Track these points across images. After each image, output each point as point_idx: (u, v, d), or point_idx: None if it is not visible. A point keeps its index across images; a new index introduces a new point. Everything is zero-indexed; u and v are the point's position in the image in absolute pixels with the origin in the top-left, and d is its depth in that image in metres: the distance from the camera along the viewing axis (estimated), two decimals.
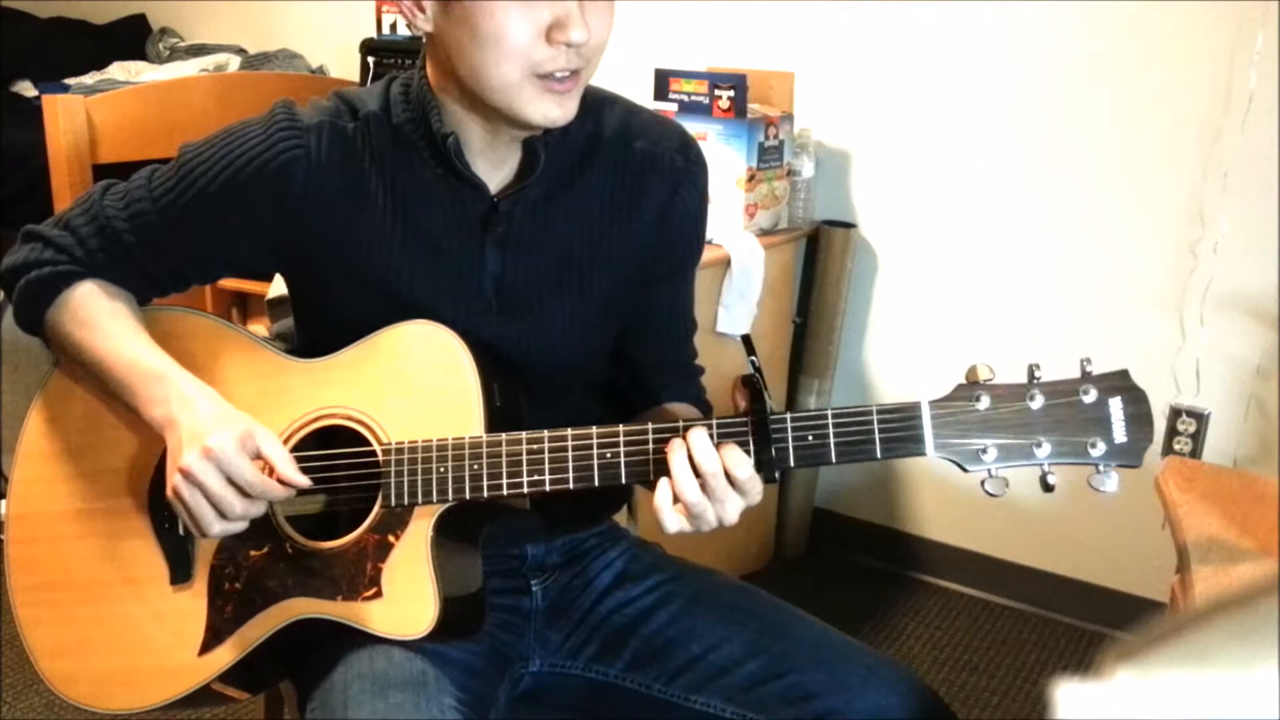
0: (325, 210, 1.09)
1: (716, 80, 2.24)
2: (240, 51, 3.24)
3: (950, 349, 2.44)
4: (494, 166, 1.11)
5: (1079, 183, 2.26)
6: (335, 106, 1.12)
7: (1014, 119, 2.30)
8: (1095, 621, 2.39)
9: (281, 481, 1.04)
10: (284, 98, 1.13)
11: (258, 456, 1.04)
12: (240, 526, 1.05)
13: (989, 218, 2.36)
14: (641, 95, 2.06)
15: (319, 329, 1.16)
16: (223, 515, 1.03)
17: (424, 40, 1.09)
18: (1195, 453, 2.21)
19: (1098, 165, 2.23)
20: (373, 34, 2.75)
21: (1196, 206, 2.15)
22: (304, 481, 1.05)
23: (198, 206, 1.10)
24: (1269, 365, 2.13)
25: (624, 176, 1.14)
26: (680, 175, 1.16)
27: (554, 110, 1.02)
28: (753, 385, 0.98)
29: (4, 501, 1.17)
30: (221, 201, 1.10)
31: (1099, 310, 2.27)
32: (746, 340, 1.01)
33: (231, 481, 1.02)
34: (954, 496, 2.50)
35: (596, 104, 1.15)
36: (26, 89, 3.20)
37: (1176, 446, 2.21)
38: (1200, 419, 2.20)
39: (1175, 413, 2.21)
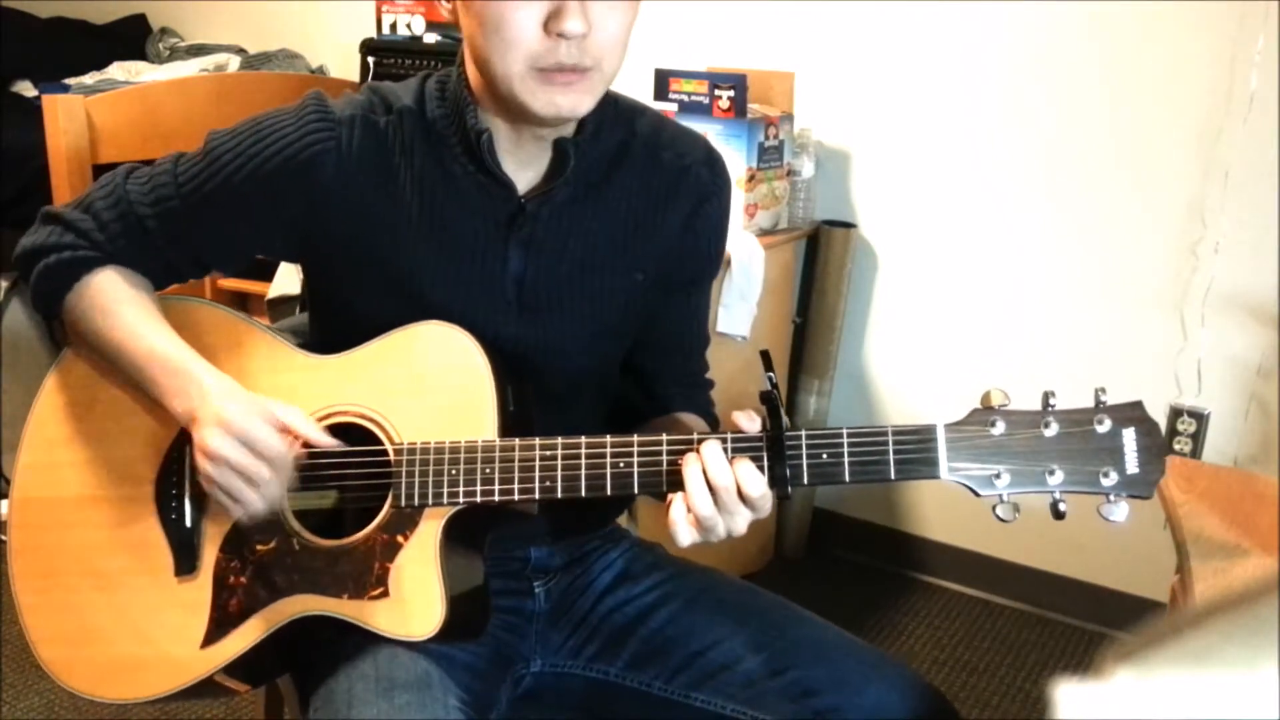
0: (353, 203, 1.09)
1: (716, 80, 2.24)
2: (240, 51, 3.24)
3: (950, 349, 2.44)
4: (522, 166, 1.11)
5: (1079, 183, 2.26)
6: (369, 100, 1.12)
7: (1014, 119, 2.31)
8: (1095, 621, 2.39)
9: (306, 443, 1.04)
10: (316, 89, 1.13)
11: (284, 431, 1.04)
12: (278, 493, 1.04)
13: (989, 218, 2.36)
14: (641, 95, 2.06)
15: (335, 323, 1.16)
16: (254, 486, 1.03)
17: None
18: (1195, 453, 2.21)
19: (1098, 165, 2.23)
20: (373, 34, 2.75)
21: (1197, 207, 2.15)
22: (334, 443, 1.05)
23: (224, 194, 1.10)
24: (1269, 365, 2.13)
25: (650, 185, 1.14)
26: (706, 189, 1.17)
27: (559, 99, 1.01)
28: (770, 402, 0.98)
29: (4, 502, 1.17)
30: (249, 190, 1.09)
31: (1099, 310, 2.27)
32: (765, 356, 1.01)
33: (254, 452, 1.02)
34: (954, 497, 2.48)
35: (629, 112, 1.15)
36: (26, 89, 3.20)
37: (1176, 446, 2.21)
38: (1200, 419, 2.20)
39: (1175, 413, 2.21)
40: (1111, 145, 2.21)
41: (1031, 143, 2.30)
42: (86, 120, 1.42)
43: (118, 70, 3.21)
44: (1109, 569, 2.35)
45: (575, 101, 1.02)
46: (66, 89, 3.00)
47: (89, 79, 3.12)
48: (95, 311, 1.10)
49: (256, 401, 1.04)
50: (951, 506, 2.52)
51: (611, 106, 1.12)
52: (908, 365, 2.52)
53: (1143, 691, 0.56)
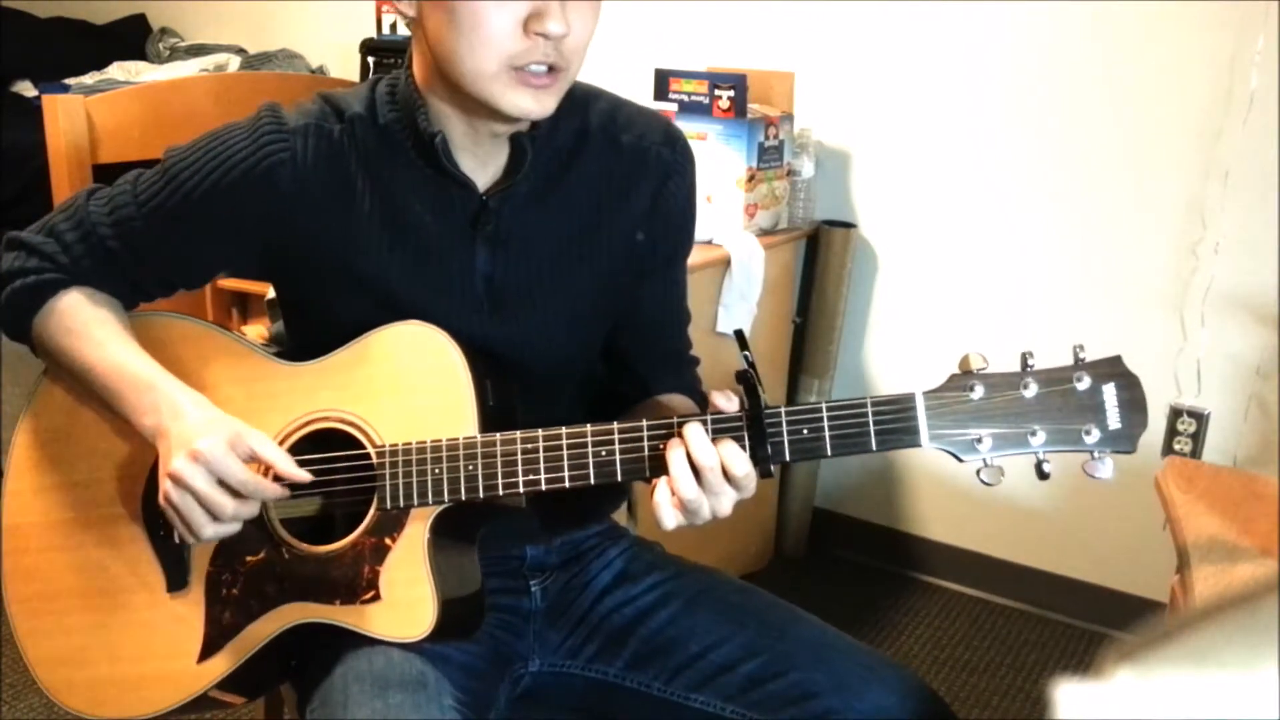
0: (312, 213, 1.09)
1: (716, 80, 2.24)
2: (240, 51, 3.24)
3: (950, 349, 2.43)
4: (481, 164, 1.10)
5: (1079, 183, 2.26)
6: (320, 109, 1.11)
7: (1015, 118, 2.30)
8: (1095, 621, 2.39)
9: (280, 479, 1.04)
10: (269, 101, 1.13)
11: (251, 459, 1.04)
12: (233, 528, 1.05)
13: (989, 218, 2.36)
14: (641, 95, 2.06)
15: (310, 333, 1.16)
16: (214, 518, 1.03)
17: (410, 35, 1.09)
18: (1195, 453, 2.20)
19: (1098, 165, 2.23)
20: (373, 34, 2.75)
21: (1197, 206, 2.15)
22: (304, 476, 1.05)
23: (183, 211, 1.10)
24: (1269, 365, 2.13)
25: (612, 171, 1.14)
26: (669, 168, 1.16)
27: (529, 103, 1.02)
28: (747, 381, 0.98)
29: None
30: (207, 206, 1.09)
31: (1099, 310, 2.27)
32: (739, 335, 1.01)
33: (223, 484, 1.03)
34: (954, 496, 2.50)
35: (583, 99, 1.15)
36: (26, 89, 3.21)
37: (1176, 446, 2.21)
38: (1200, 419, 2.20)
39: (1175, 413, 2.21)
40: (1112, 145, 2.21)
41: (1032, 142, 2.29)
42: (86, 120, 1.42)
43: (118, 70, 3.22)
44: (1109, 569, 2.35)
45: (545, 104, 1.03)
46: (66, 89, 3.00)
47: (89, 79, 3.12)
48: (62, 333, 1.10)
49: (227, 428, 1.04)
50: (952, 506, 2.52)
51: (565, 96, 1.12)
52: (908, 365, 2.52)
53: (1143, 691, 0.56)
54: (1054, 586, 2.42)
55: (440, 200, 1.10)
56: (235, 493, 1.03)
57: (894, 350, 2.53)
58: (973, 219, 2.38)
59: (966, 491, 2.45)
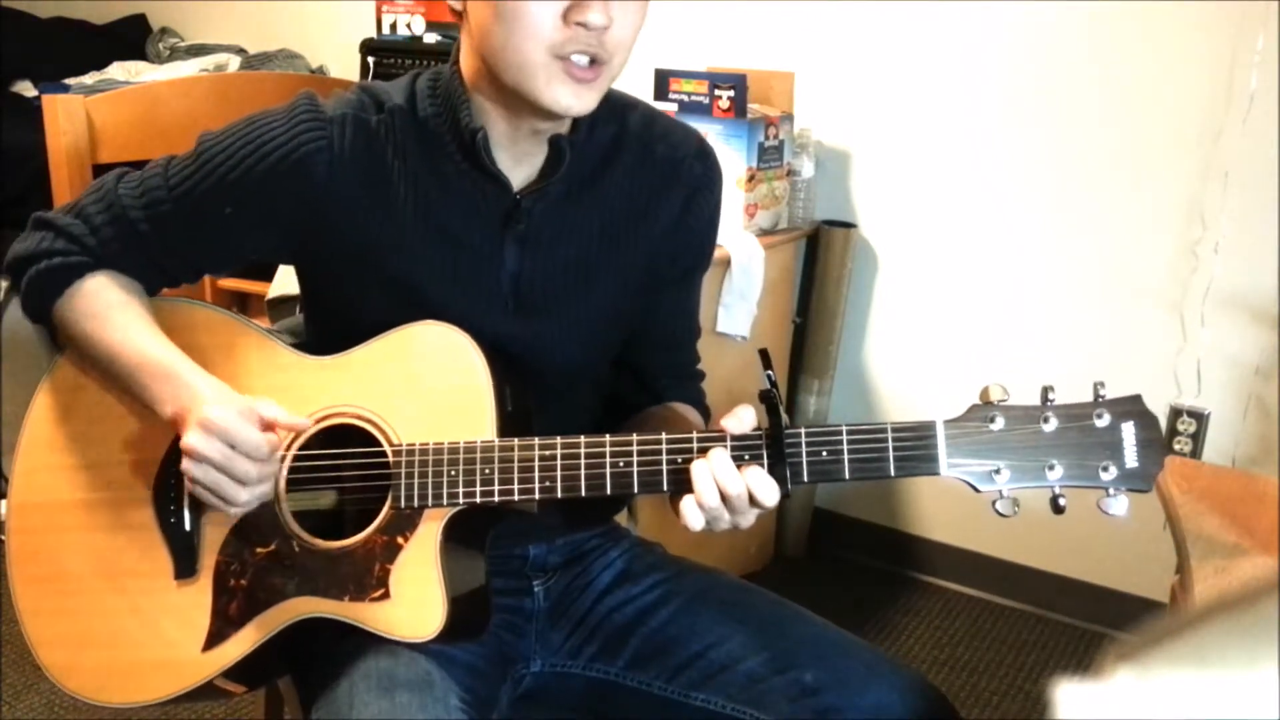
0: (346, 203, 1.09)
1: (716, 80, 2.24)
2: (240, 51, 3.24)
3: (950, 349, 2.44)
4: (517, 163, 1.10)
5: (1079, 182, 2.26)
6: (359, 99, 1.12)
7: (1014, 119, 2.31)
8: (1095, 621, 2.39)
9: (284, 430, 1.04)
10: (307, 89, 1.13)
11: (264, 428, 1.03)
12: (264, 489, 1.05)
13: (989, 218, 2.36)
14: (641, 95, 2.06)
15: (331, 323, 1.16)
16: (241, 484, 1.03)
17: (459, 30, 1.09)
18: (1195, 453, 2.21)
19: (1098, 165, 2.23)
20: (373, 34, 2.75)
21: (1197, 206, 2.15)
22: (304, 423, 1.05)
23: (215, 196, 1.09)
24: (1269, 365, 2.13)
25: (644, 180, 1.15)
26: (698, 182, 1.17)
27: (570, 98, 1.02)
28: (769, 400, 0.98)
29: (3, 502, 1.17)
30: (240, 192, 1.09)
31: (1099, 310, 2.27)
32: (764, 355, 1.01)
33: (237, 450, 1.02)
34: (954, 496, 2.49)
35: (621, 107, 1.15)
36: (26, 89, 3.20)
37: (1176, 446, 2.21)
38: (1200, 419, 2.20)
39: (1175, 413, 2.21)
40: (1111, 145, 2.21)
41: (1031, 142, 2.30)
42: (86, 120, 1.42)
43: (118, 70, 3.22)
44: (1109, 569, 2.35)
45: (585, 100, 1.03)
46: (66, 89, 3.00)
47: (89, 79, 3.12)
48: (86, 317, 1.10)
49: (239, 399, 1.04)
50: (952, 506, 2.52)
51: (604, 102, 1.12)
52: (908, 365, 2.52)
53: (1143, 691, 0.56)
54: (1054, 586, 2.42)
55: (473, 196, 1.10)
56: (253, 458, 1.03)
57: (894, 350, 2.53)
58: (973, 219, 2.38)
59: (967, 492, 2.45)
